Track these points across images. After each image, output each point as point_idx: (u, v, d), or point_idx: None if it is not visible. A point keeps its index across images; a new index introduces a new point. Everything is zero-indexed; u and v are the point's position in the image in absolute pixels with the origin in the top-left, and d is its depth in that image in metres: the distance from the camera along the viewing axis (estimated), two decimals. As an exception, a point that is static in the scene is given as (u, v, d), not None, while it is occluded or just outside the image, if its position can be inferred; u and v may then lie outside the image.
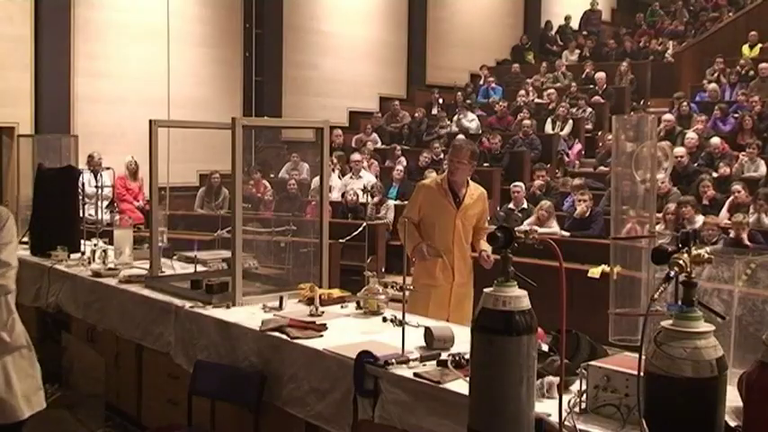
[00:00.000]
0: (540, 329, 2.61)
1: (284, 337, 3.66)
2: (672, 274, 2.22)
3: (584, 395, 2.61)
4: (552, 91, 14.71)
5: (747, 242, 7.64)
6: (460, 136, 12.82)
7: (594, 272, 7.37)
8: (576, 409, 2.59)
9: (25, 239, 6.13)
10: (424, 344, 3.40)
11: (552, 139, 12.87)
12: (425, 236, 4.98)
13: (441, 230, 4.99)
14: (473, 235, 5.15)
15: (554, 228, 9.12)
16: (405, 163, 12.40)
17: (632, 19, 19.58)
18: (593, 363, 2.65)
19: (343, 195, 10.84)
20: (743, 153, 10.41)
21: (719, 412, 2.21)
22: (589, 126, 13.69)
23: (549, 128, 13.46)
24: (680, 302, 2.24)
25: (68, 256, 5.70)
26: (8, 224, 3.28)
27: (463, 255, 5.10)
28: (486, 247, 5.07)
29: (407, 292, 4.00)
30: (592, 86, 14.85)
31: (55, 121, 11.02)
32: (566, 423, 2.47)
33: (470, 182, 5.20)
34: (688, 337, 2.18)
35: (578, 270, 7.37)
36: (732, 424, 2.35)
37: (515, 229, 2.47)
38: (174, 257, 5.66)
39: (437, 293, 4.97)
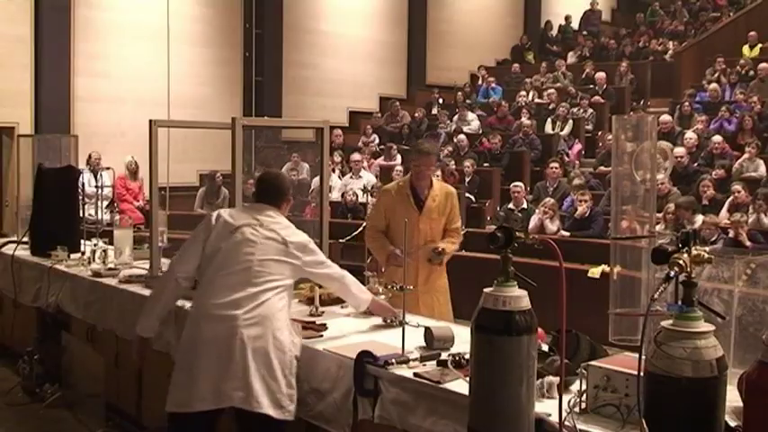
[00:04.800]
0: (540, 329, 2.61)
1: (284, 337, 3.65)
2: (672, 274, 2.22)
3: (584, 395, 2.61)
4: (552, 91, 14.71)
5: (747, 242, 7.64)
6: (461, 135, 12.87)
7: (594, 272, 7.36)
8: (576, 409, 2.59)
9: (25, 239, 6.13)
10: (424, 344, 3.40)
11: (552, 139, 12.88)
12: (392, 241, 4.79)
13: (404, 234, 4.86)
14: (444, 235, 4.88)
15: (553, 227, 9.11)
16: (400, 160, 12.39)
17: (632, 19, 19.59)
18: (593, 363, 2.64)
19: (342, 195, 10.84)
20: (744, 152, 10.40)
21: (719, 412, 2.20)
22: (589, 126, 13.69)
23: (549, 128, 13.46)
24: (680, 302, 2.24)
25: (68, 256, 5.69)
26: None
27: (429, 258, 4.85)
28: (444, 245, 4.79)
29: (391, 295, 4.00)
30: (592, 86, 14.85)
31: (55, 121, 11.02)
32: (566, 423, 2.47)
33: (434, 182, 4.97)
34: (688, 337, 2.18)
35: (578, 270, 7.35)
36: (732, 424, 2.35)
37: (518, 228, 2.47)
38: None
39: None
